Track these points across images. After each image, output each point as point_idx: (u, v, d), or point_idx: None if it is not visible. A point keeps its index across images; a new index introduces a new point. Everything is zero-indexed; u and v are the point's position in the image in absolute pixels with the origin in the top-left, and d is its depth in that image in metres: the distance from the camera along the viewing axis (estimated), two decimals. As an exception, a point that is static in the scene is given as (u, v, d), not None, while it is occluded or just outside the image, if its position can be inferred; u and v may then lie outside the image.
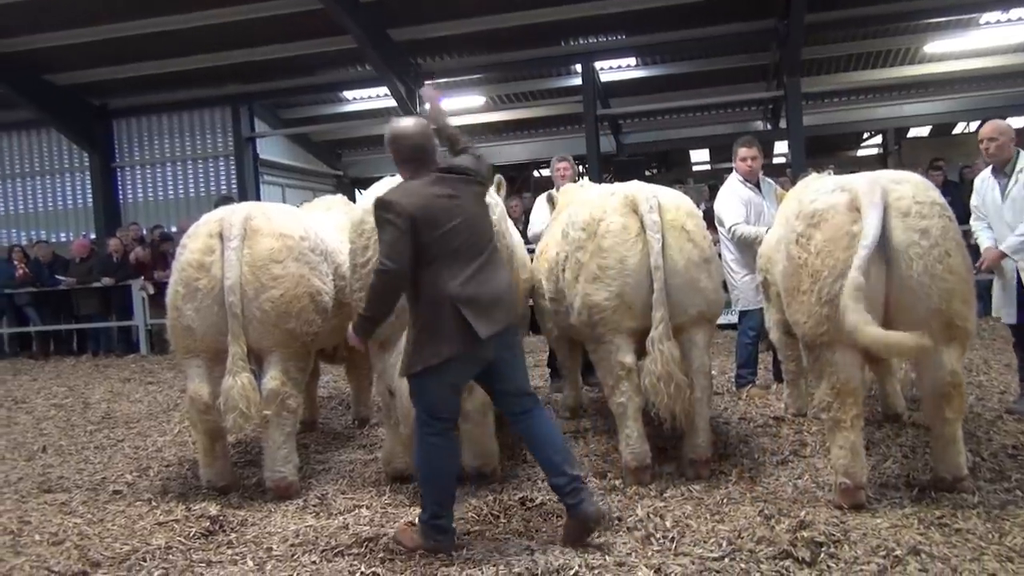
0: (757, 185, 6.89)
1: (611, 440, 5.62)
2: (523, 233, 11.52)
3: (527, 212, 12.94)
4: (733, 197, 6.78)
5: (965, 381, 4.17)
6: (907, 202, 3.94)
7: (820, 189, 4.27)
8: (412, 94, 15.86)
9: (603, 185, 6.52)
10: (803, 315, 4.11)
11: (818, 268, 4.00)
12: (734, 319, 7.40)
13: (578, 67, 16.12)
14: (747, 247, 6.62)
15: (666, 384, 4.41)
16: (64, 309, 14.12)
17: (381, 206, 3.73)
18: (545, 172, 25.97)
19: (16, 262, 14.05)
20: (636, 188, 4.83)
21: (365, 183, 22.50)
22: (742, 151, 6.89)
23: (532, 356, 10.02)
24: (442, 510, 3.81)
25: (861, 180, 4.09)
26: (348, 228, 6.29)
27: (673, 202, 4.83)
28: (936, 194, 4.10)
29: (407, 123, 3.96)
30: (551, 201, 6.60)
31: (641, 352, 4.64)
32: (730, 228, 6.68)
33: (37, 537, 4.32)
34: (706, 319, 4.86)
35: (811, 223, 4.09)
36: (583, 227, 4.81)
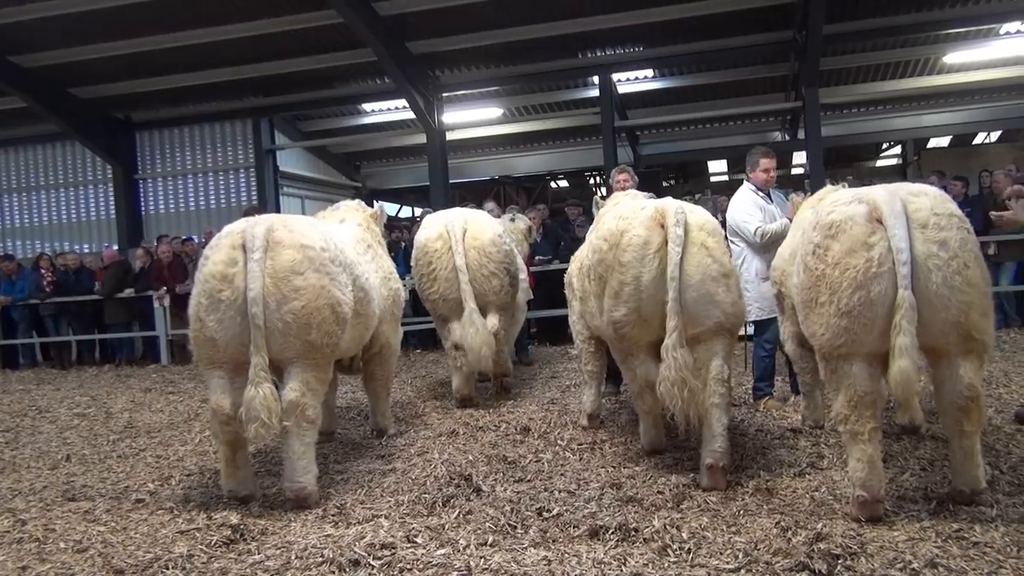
0: (768, 195, 6.91)
1: (627, 452, 5.65)
2: (536, 244, 11.67)
3: (544, 223, 13.03)
4: (748, 204, 6.81)
5: (984, 394, 4.14)
6: (925, 214, 3.93)
7: (837, 200, 4.27)
8: (430, 106, 15.99)
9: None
10: (821, 327, 4.11)
11: (836, 279, 3.99)
12: (748, 330, 7.37)
13: (595, 79, 16.23)
14: (766, 252, 6.60)
15: (680, 389, 4.58)
16: (89, 319, 14.30)
17: None
18: (563, 183, 26.05)
19: (43, 270, 14.23)
20: (667, 202, 5.01)
21: (383, 195, 22.70)
22: (765, 162, 6.89)
23: (549, 367, 10.05)
24: None
25: (880, 192, 4.08)
26: (362, 239, 6.46)
27: (698, 221, 4.96)
28: (954, 206, 4.07)
29: None
30: (597, 207, 6.71)
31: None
32: (756, 231, 6.67)
33: (62, 544, 4.38)
34: (725, 329, 4.97)
35: (828, 234, 4.09)
36: (606, 238, 5.02)
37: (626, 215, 5.04)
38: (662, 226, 4.80)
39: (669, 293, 4.66)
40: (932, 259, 3.85)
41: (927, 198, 4.01)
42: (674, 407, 4.66)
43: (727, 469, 4.85)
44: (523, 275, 8.68)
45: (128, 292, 13.54)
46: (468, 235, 7.54)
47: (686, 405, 4.62)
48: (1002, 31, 14.96)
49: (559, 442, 6.00)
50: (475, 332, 7.18)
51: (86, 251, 17.47)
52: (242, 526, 4.39)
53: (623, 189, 7.51)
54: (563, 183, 26.15)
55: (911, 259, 3.83)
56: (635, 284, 4.80)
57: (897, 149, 22.97)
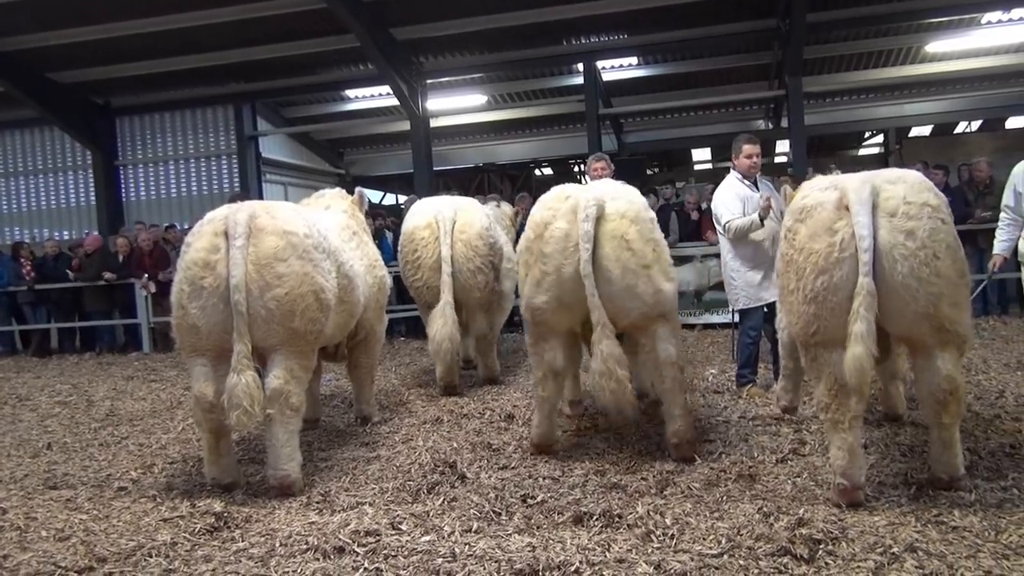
0: (755, 183, 6.89)
1: (610, 439, 5.67)
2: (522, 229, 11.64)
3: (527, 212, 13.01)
4: (730, 194, 6.76)
5: (963, 384, 4.12)
6: (895, 202, 3.88)
7: (814, 186, 4.29)
8: (414, 93, 15.91)
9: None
10: (793, 314, 4.11)
11: (801, 264, 3.99)
12: (735, 318, 7.39)
13: (580, 66, 16.18)
14: (748, 242, 6.60)
15: (607, 380, 4.73)
16: (69, 306, 14.14)
17: None
18: (547, 171, 26.02)
19: (22, 259, 14.05)
20: (581, 194, 4.97)
21: (367, 182, 22.60)
22: (747, 148, 6.81)
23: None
24: None
25: (853, 179, 4.06)
26: (347, 226, 6.41)
27: (619, 210, 4.92)
28: (931, 195, 3.99)
29: None
30: None
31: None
32: (724, 224, 6.66)
33: (43, 533, 4.36)
34: (654, 315, 4.97)
35: (798, 219, 4.10)
36: (533, 228, 5.08)
37: (552, 205, 5.05)
38: None
39: (587, 289, 4.74)
40: (898, 248, 3.82)
41: (903, 186, 3.97)
42: (603, 398, 4.80)
43: (692, 442, 5.09)
44: (509, 264, 8.60)
45: (109, 276, 13.35)
46: (456, 227, 7.53)
47: (614, 395, 4.74)
48: (983, 20, 15.04)
49: (543, 429, 6.00)
50: (442, 324, 7.18)
51: (66, 238, 17.26)
52: (226, 514, 4.38)
53: (599, 177, 7.46)
54: (547, 171, 26.11)
55: (875, 247, 3.80)
56: (556, 275, 4.88)
57: (879, 138, 23.09)
